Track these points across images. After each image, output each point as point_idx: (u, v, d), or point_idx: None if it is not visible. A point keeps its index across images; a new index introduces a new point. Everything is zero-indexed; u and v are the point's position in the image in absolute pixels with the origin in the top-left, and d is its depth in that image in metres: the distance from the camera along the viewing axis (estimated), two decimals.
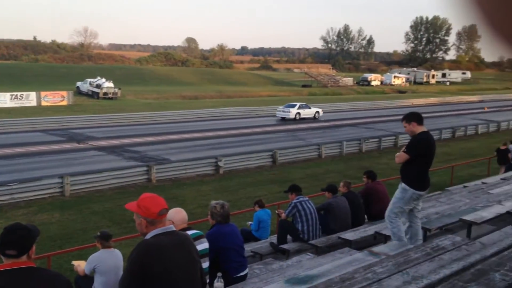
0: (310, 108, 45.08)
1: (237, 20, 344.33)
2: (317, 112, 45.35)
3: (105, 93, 55.47)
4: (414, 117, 6.60)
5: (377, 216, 10.15)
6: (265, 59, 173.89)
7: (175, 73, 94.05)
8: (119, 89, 57.73)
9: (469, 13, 0.60)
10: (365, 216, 10.34)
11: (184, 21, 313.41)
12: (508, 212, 6.54)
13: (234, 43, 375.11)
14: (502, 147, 22.17)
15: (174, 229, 3.66)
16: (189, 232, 4.65)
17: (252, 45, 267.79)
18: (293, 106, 44.20)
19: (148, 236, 3.45)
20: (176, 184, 20.88)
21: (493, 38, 0.60)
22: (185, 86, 76.83)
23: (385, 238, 7.25)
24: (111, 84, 57.03)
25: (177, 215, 4.88)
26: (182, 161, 22.97)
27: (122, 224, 14.71)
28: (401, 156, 6.52)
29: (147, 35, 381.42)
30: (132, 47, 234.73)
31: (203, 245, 4.96)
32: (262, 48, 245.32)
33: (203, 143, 29.99)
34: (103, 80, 57.12)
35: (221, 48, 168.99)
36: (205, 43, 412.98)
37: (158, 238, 3.42)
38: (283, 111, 43.58)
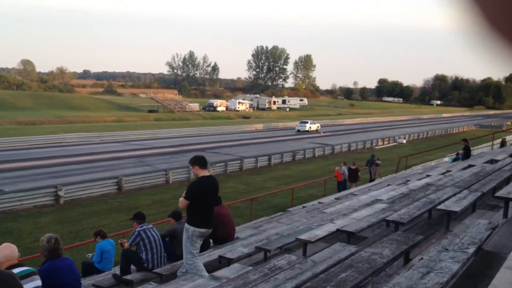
0: (315, 123, 65.70)
1: (78, 42, 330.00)
2: (318, 126, 65.21)
3: None
4: (197, 161, 7.04)
5: (223, 239, 10.33)
6: (109, 83, 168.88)
7: (9, 97, 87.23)
8: None
9: (469, 11, 0.61)
10: (211, 240, 10.44)
11: (19, 42, 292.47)
12: (338, 230, 7.08)
13: (75, 66, 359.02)
14: (353, 167, 24.95)
15: None
16: (18, 269, 4.31)
17: (95, 68, 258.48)
18: (306, 122, 65.25)
19: None
20: (11, 216, 19.24)
21: (493, 36, 0.62)
22: (20, 111, 71.63)
23: (228, 262, 7.39)
24: None
25: (1, 253, 4.49)
26: (17, 192, 21.25)
27: None
28: (181, 202, 6.94)
29: None
30: None
31: (34, 283, 4.61)
32: (105, 72, 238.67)
33: (42, 171, 28.07)
34: None
35: (61, 71, 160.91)
36: (43, 66, 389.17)
37: None
38: (300, 126, 63.74)
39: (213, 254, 8.46)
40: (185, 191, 6.92)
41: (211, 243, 10.46)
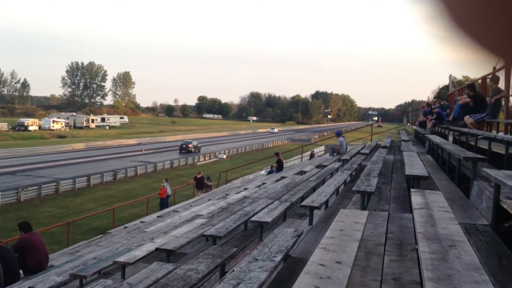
0: (276, 128, 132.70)
1: None
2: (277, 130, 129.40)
3: None
4: None
5: (34, 269, 9.58)
6: None
7: None
8: None
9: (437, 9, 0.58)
10: (21, 272, 9.61)
11: None
12: (157, 249, 7.03)
13: None
14: (198, 176, 26.72)
15: None
16: None
17: None
18: (274, 128, 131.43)
19: None
20: None
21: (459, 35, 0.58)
22: None
23: None
24: None
25: None
26: None
27: None
28: None
29: None
30: None
31: None
32: None
33: None
34: None
35: None
36: None
37: None
38: (272, 130, 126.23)
39: (22, 286, 7.80)
40: None
41: (22, 274, 9.64)
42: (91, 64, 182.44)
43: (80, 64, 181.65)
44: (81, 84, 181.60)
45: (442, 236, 3.33)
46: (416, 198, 4.81)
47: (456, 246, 3.12)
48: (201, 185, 26.64)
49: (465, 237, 3.49)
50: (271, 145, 78.49)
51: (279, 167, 22.87)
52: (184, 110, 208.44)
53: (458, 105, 12.82)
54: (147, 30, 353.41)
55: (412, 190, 5.58)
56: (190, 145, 64.05)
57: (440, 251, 2.98)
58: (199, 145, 66.40)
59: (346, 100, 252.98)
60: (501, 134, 9.74)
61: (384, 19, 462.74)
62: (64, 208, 27.39)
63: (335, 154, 18.75)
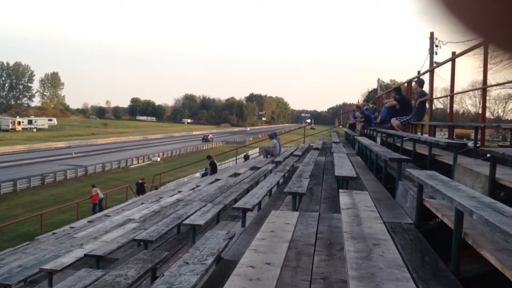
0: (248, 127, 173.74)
1: None
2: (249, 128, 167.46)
3: None
4: None
5: None
6: None
7: None
8: None
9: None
10: None
11: None
12: (85, 255, 6.83)
13: None
14: (140, 181, 27.19)
15: None
16: None
17: None
18: (247, 127, 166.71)
19: None
20: None
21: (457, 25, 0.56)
22: None
23: None
24: None
25: None
26: None
27: None
28: None
29: None
30: None
31: None
32: None
33: None
34: None
35: None
36: None
37: None
38: (246, 129, 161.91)
39: None
40: None
41: None
42: (17, 64, 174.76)
43: (5, 64, 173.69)
44: (6, 85, 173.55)
45: (367, 235, 3.44)
46: (344, 198, 4.94)
47: (380, 244, 3.23)
48: (142, 190, 26.69)
49: (389, 235, 3.62)
50: (206, 147, 78.20)
51: (213, 169, 22.81)
52: (117, 112, 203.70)
53: (386, 108, 13.29)
54: (76, 30, 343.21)
55: (340, 190, 5.72)
56: (209, 137, 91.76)
57: (365, 250, 3.07)
58: (213, 137, 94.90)
59: (280, 103, 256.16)
60: (425, 135, 10.18)
61: (315, 24, 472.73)
62: None
63: (269, 156, 18.91)
